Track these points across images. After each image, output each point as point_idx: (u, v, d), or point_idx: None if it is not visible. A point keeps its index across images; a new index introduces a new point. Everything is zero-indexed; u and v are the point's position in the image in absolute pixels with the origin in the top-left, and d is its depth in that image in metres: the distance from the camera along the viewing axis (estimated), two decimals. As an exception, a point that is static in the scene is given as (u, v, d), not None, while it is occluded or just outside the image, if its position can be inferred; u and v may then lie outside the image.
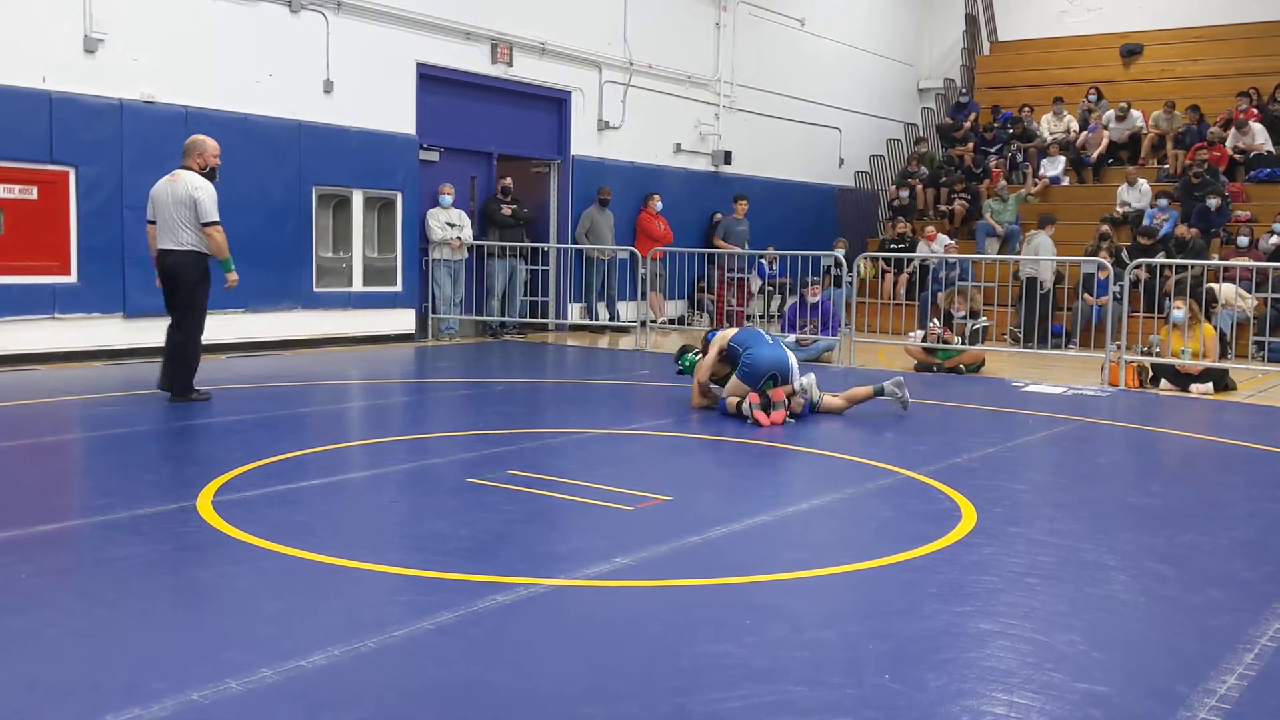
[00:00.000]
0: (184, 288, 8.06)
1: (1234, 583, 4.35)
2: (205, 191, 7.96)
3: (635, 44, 15.84)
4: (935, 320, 11.99)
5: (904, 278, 16.31)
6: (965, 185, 18.78)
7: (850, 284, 12.71)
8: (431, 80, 13.43)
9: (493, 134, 14.50)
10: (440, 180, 13.80)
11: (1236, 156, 17.58)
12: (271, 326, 11.90)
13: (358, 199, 12.73)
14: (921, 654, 3.49)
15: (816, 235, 18.00)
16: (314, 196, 12.23)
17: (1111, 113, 19.20)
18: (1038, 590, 4.18)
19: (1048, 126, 20.05)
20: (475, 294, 14.33)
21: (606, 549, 4.53)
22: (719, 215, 17.11)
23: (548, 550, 4.63)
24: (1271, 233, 14.92)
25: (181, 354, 8.14)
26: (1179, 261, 12.57)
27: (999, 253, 16.50)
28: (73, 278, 10.40)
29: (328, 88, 12.27)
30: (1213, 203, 15.75)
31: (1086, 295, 14.31)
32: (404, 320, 13.34)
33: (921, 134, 21.97)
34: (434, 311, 13.72)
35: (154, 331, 10.52)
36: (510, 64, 14.19)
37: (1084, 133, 19.33)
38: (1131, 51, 21.15)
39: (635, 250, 14.53)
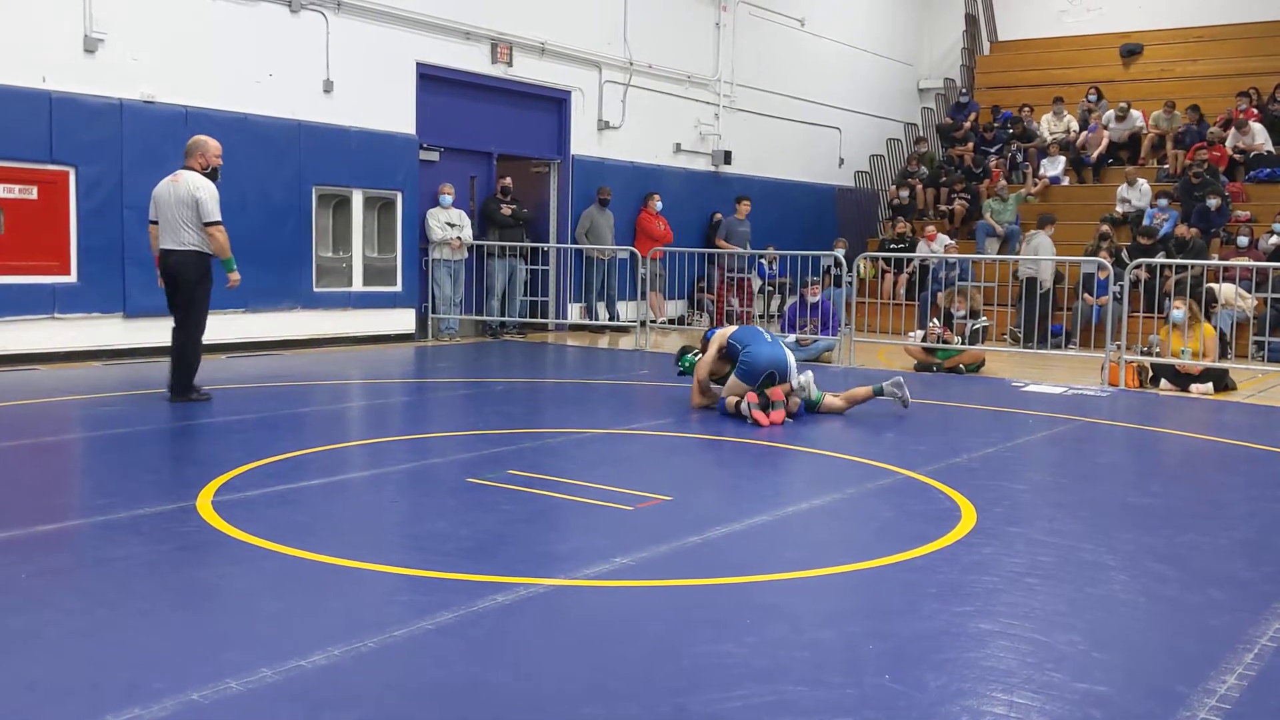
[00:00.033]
0: (185, 287, 8.08)
1: (1234, 583, 4.35)
2: (207, 191, 7.98)
3: (635, 44, 15.84)
4: (935, 320, 11.99)
5: (904, 278, 16.31)
6: (965, 185, 18.79)
7: (850, 284, 12.71)
8: (431, 80, 13.43)
9: (493, 134, 14.50)
10: (440, 180, 13.80)
11: (1236, 156, 17.58)
12: (271, 326, 11.90)
13: (358, 199, 12.73)
14: (921, 654, 3.49)
15: (816, 235, 18.00)
16: (314, 196, 12.23)
17: (1111, 113, 19.20)
18: (1038, 590, 4.18)
19: (1048, 126, 20.05)
20: (475, 294, 14.33)
21: (606, 549, 4.53)
22: (719, 215, 17.12)
23: (548, 550, 4.63)
24: (1271, 233, 14.92)
25: (182, 354, 8.14)
26: (1179, 261, 12.58)
27: (999, 253, 16.50)
28: (73, 278, 10.40)
29: (328, 88, 12.27)
30: (1213, 203, 15.75)
31: (1086, 295, 14.30)
32: (404, 320, 13.34)
33: (921, 134, 21.97)
34: (434, 311, 13.72)
35: (154, 331, 10.56)
36: (510, 64, 14.19)
37: (1084, 133, 19.33)
38: (1131, 51, 21.15)
39: (635, 250, 14.53)
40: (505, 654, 3.41)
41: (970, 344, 11.68)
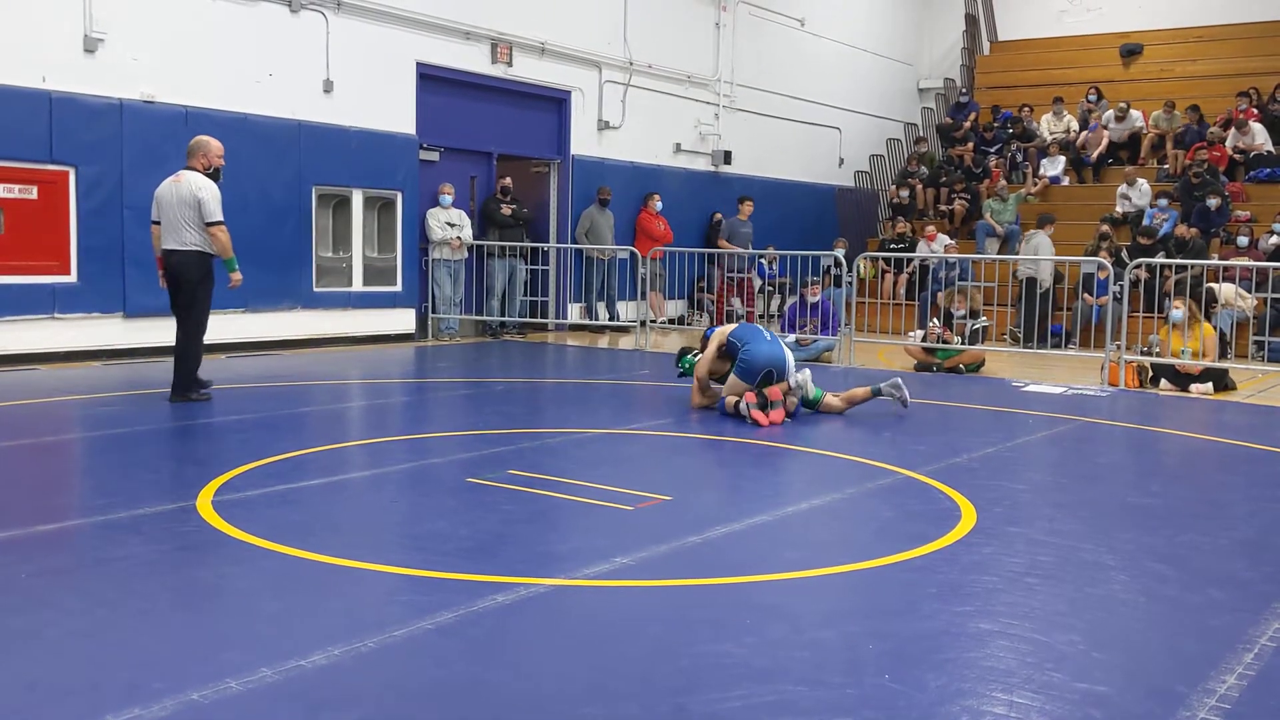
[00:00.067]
0: (187, 287, 8.10)
1: (1234, 583, 4.35)
2: (209, 191, 8.00)
3: (635, 44, 15.84)
4: (935, 320, 11.99)
5: (904, 278, 16.31)
6: (965, 185, 18.79)
7: (850, 284, 12.71)
8: (431, 80, 13.43)
9: (493, 134, 14.50)
10: (440, 180, 13.80)
11: (1236, 156, 17.58)
12: (271, 326, 11.90)
13: (358, 199, 12.73)
14: (921, 654, 3.49)
15: (816, 235, 18.00)
16: (314, 196, 12.23)
17: (1111, 113, 19.20)
18: (1038, 590, 4.18)
19: (1048, 126, 20.05)
20: (475, 294, 14.33)
21: (606, 549, 4.53)
22: (719, 215, 17.12)
23: (548, 550, 4.63)
24: (1271, 233, 14.92)
25: (183, 354, 8.15)
26: (1179, 261, 12.58)
27: (999, 253, 16.50)
28: (73, 277, 10.40)
29: (328, 87, 12.27)
30: (1213, 203, 15.75)
31: (1086, 295, 14.31)
32: (404, 320, 13.34)
33: (921, 134, 21.97)
34: (434, 311, 13.72)
35: (154, 331, 10.58)
36: (510, 64, 14.19)
37: (1084, 133, 19.33)
38: (1131, 51, 21.15)
39: (635, 250, 14.53)
40: (505, 654, 3.41)
41: (970, 344, 11.68)
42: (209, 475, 5.71)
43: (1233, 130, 17.77)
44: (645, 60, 16.04)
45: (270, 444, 6.64)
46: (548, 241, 15.24)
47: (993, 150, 20.01)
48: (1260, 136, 17.58)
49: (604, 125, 15.64)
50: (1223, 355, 11.01)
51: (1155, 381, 10.56)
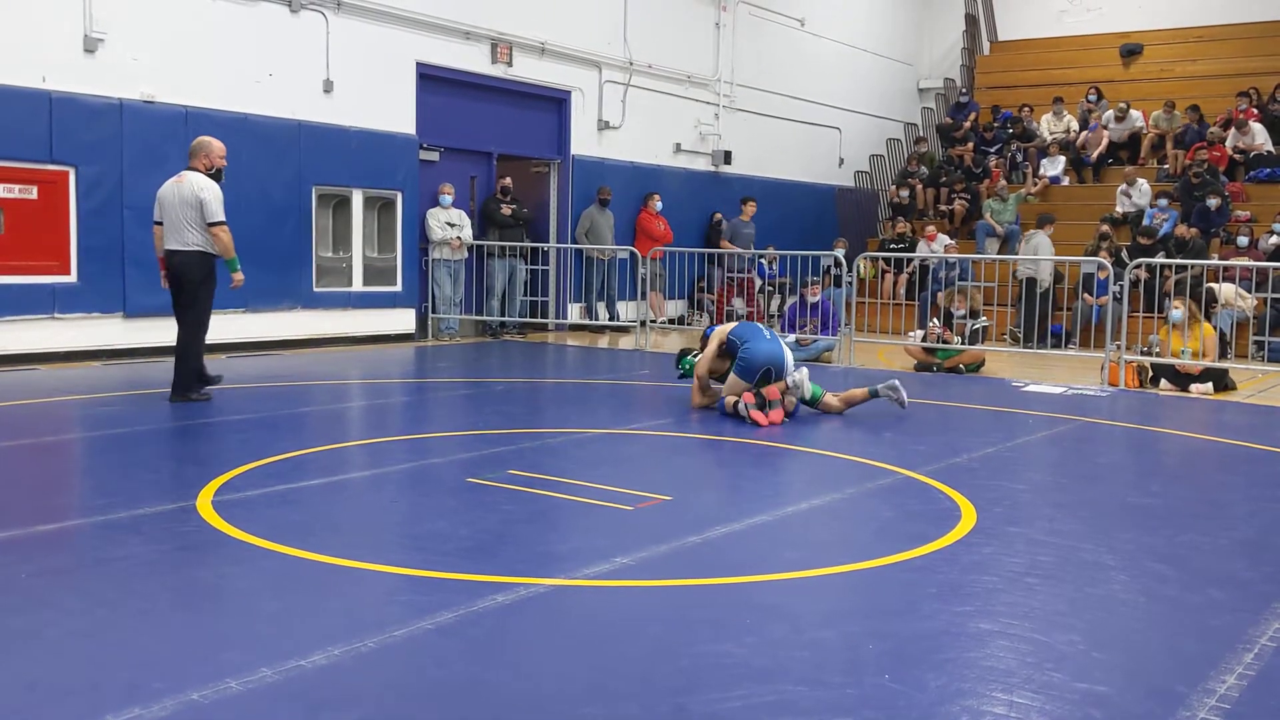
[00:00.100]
0: (189, 287, 8.13)
1: (1234, 583, 4.35)
2: (211, 192, 8.03)
3: (635, 44, 15.84)
4: (935, 320, 11.99)
5: (904, 278, 16.31)
6: (965, 185, 18.79)
7: (850, 284, 12.71)
8: (431, 80, 13.43)
9: (493, 134, 14.50)
10: (440, 180, 13.80)
11: (1236, 156, 17.58)
12: (271, 326, 11.90)
13: (358, 199, 12.73)
14: (921, 654, 3.49)
15: (816, 235, 18.00)
16: (314, 196, 12.23)
17: (1111, 113, 19.20)
18: (1038, 590, 4.18)
19: (1048, 126, 20.05)
20: (475, 294, 14.33)
21: (606, 549, 4.53)
22: (719, 215, 17.12)
23: (548, 550, 4.63)
24: (1271, 233, 14.92)
25: (184, 354, 8.16)
26: (1179, 261, 12.58)
27: (999, 253, 16.50)
28: (73, 277, 10.40)
29: (328, 88, 12.27)
30: (1213, 203, 15.75)
31: (1086, 295, 14.31)
32: (404, 320, 13.34)
33: (921, 134, 21.97)
34: (434, 311, 13.72)
35: (154, 331, 10.58)
36: (510, 64, 14.19)
37: (1084, 133, 19.33)
38: (1131, 51, 21.15)
39: (635, 250, 14.53)
40: (505, 654, 3.41)
41: (970, 344, 11.68)
42: (209, 475, 5.72)
43: (1233, 130, 17.77)
44: (645, 60, 16.04)
45: (270, 444, 6.64)
46: (548, 241, 15.24)
47: (993, 150, 20.01)
48: (1260, 136, 17.58)
49: (604, 125, 15.64)
50: (1223, 355, 11.01)
51: (1155, 381, 10.56)
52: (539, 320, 15.13)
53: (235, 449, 6.57)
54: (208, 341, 8.43)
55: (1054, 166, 19.12)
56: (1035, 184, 18.75)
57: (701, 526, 4.94)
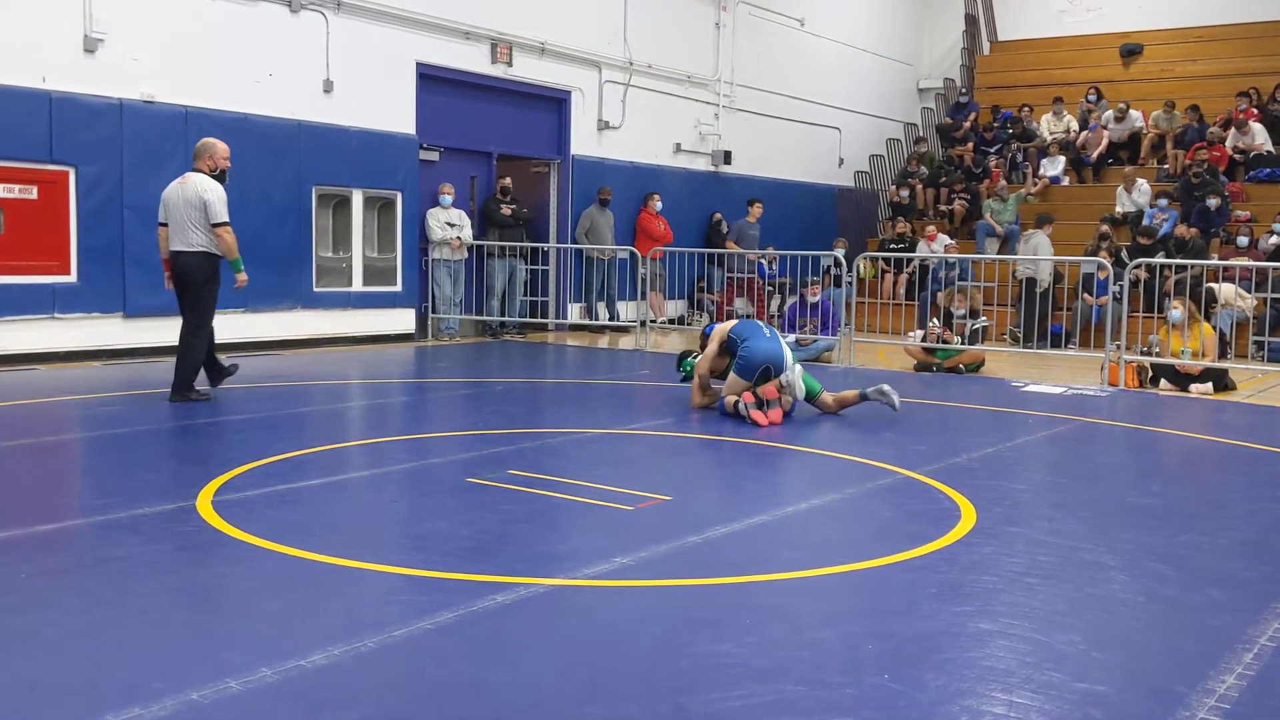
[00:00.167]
0: (193, 287, 8.18)
1: (1234, 583, 4.35)
2: (215, 193, 8.07)
3: (635, 44, 15.84)
4: (935, 320, 11.99)
5: (904, 278, 16.31)
6: (965, 185, 18.79)
7: (850, 284, 12.71)
8: (431, 80, 13.43)
9: (493, 134, 14.50)
10: (440, 180, 13.80)
11: (1236, 156, 17.58)
12: (271, 326, 11.91)
13: (358, 199, 12.73)
14: (921, 654, 3.49)
15: (816, 235, 18.00)
16: (314, 196, 12.24)
17: (1110, 113, 19.20)
18: (1037, 590, 4.19)
19: (1047, 126, 20.05)
20: (475, 294, 14.34)
21: (606, 549, 4.53)
22: (719, 215, 17.13)
23: (548, 550, 4.63)
24: (1271, 233, 14.92)
25: (184, 353, 8.18)
26: (1179, 261, 12.58)
27: (999, 253, 16.50)
28: (73, 277, 10.40)
29: (328, 88, 12.27)
30: (1212, 203, 15.76)
31: (1086, 295, 14.31)
32: (404, 320, 13.34)
33: (921, 134, 21.98)
34: (434, 311, 13.72)
35: (154, 331, 10.59)
36: (510, 64, 14.19)
37: (1084, 133, 19.33)
38: (1131, 51, 21.15)
39: (635, 250, 14.53)
40: (505, 654, 3.41)
41: (970, 344, 11.69)
42: (209, 475, 5.72)
43: (1233, 130, 17.77)
44: (645, 60, 16.05)
45: (270, 444, 6.65)
46: (548, 241, 15.24)
47: (993, 150, 20.01)
48: (1260, 136, 17.58)
49: (604, 125, 15.65)
50: (1223, 355, 11.02)
51: (1155, 381, 10.56)
52: (539, 320, 15.13)
53: (235, 449, 6.58)
54: (216, 340, 8.49)
55: (1054, 166, 19.13)
56: (1035, 184, 18.75)
57: (701, 526, 4.94)
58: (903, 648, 3.54)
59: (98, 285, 10.50)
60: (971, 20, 23.05)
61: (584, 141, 15.42)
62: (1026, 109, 20.40)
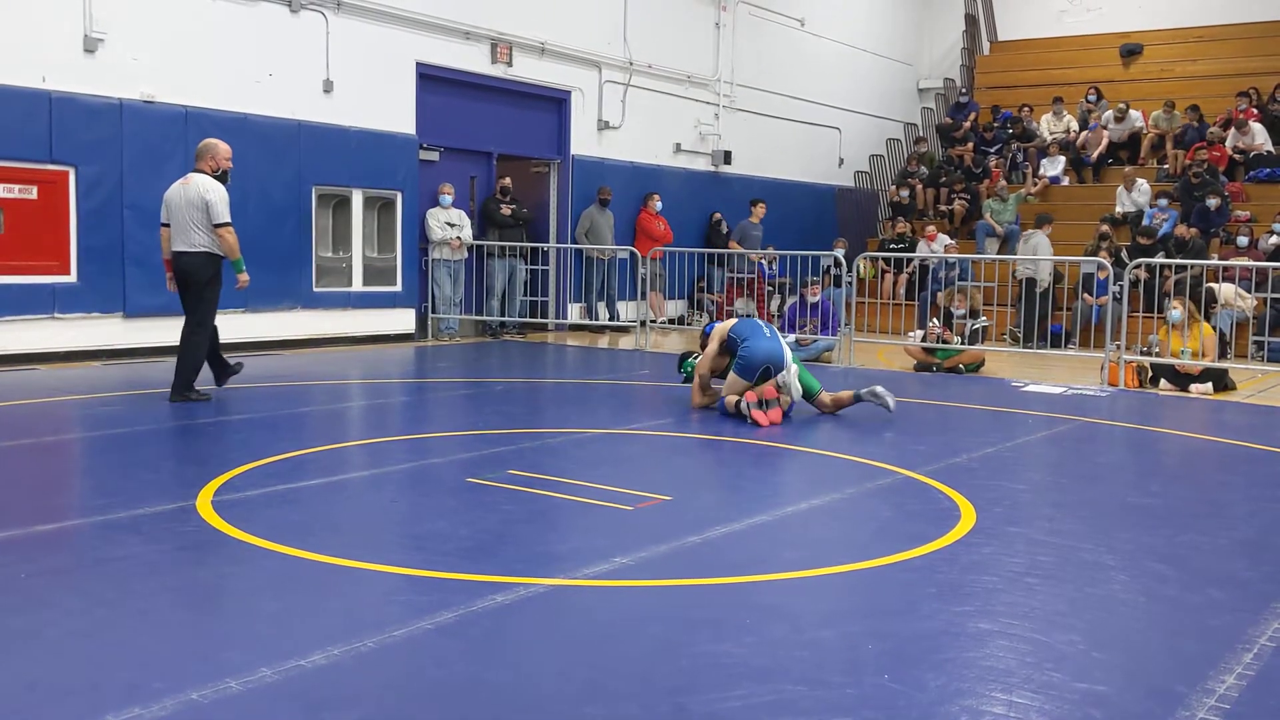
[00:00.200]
0: (195, 287, 8.20)
1: (1234, 583, 4.35)
2: (217, 194, 8.08)
3: (635, 44, 15.84)
4: (935, 320, 11.99)
5: (904, 278, 16.31)
6: (965, 185, 18.79)
7: (850, 284, 12.71)
8: (431, 80, 13.43)
9: (492, 134, 14.50)
10: (440, 180, 13.80)
11: (1236, 156, 17.58)
12: (271, 326, 11.90)
13: (357, 199, 12.73)
14: (921, 654, 3.49)
15: (816, 235, 18.00)
16: (314, 196, 12.24)
17: (1110, 113, 19.20)
18: (1037, 590, 4.19)
19: (1047, 126, 20.05)
20: (475, 294, 14.34)
21: (606, 549, 4.53)
22: (718, 215, 17.13)
23: (547, 550, 4.63)
24: (1271, 233, 14.92)
25: (185, 353, 8.19)
26: (1179, 261, 12.58)
27: (999, 253, 16.50)
28: (72, 277, 10.40)
29: (328, 88, 12.27)
30: (1212, 203, 15.76)
31: (1086, 295, 14.31)
32: (404, 320, 13.34)
33: (921, 134, 21.98)
34: (434, 311, 13.72)
35: (154, 331, 10.59)
36: (510, 64, 14.19)
37: (1084, 133, 19.33)
38: (1131, 51, 21.16)
39: (635, 250, 14.53)
40: (505, 654, 3.41)
41: (970, 344, 11.69)
42: (209, 475, 5.72)
43: (1232, 130, 17.77)
44: (645, 60, 16.05)
45: (270, 444, 6.65)
46: (548, 241, 15.24)
47: (993, 150, 20.01)
48: (1260, 136, 17.58)
49: (604, 125, 15.65)
50: (1222, 355, 11.02)
51: (1155, 381, 10.56)
52: (539, 320, 15.13)
53: (235, 449, 6.58)
54: (225, 340, 8.53)
55: (1054, 166, 19.13)
56: (1035, 184, 18.75)
57: (701, 526, 4.94)
58: (903, 648, 3.54)
59: (98, 285, 10.50)
60: (971, 20, 23.05)
61: (584, 141, 15.42)
62: (1026, 109, 20.40)
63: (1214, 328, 11.09)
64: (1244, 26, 20.15)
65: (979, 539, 4.88)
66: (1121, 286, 12.50)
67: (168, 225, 8.19)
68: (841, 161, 20.45)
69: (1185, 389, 10.32)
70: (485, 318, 14.37)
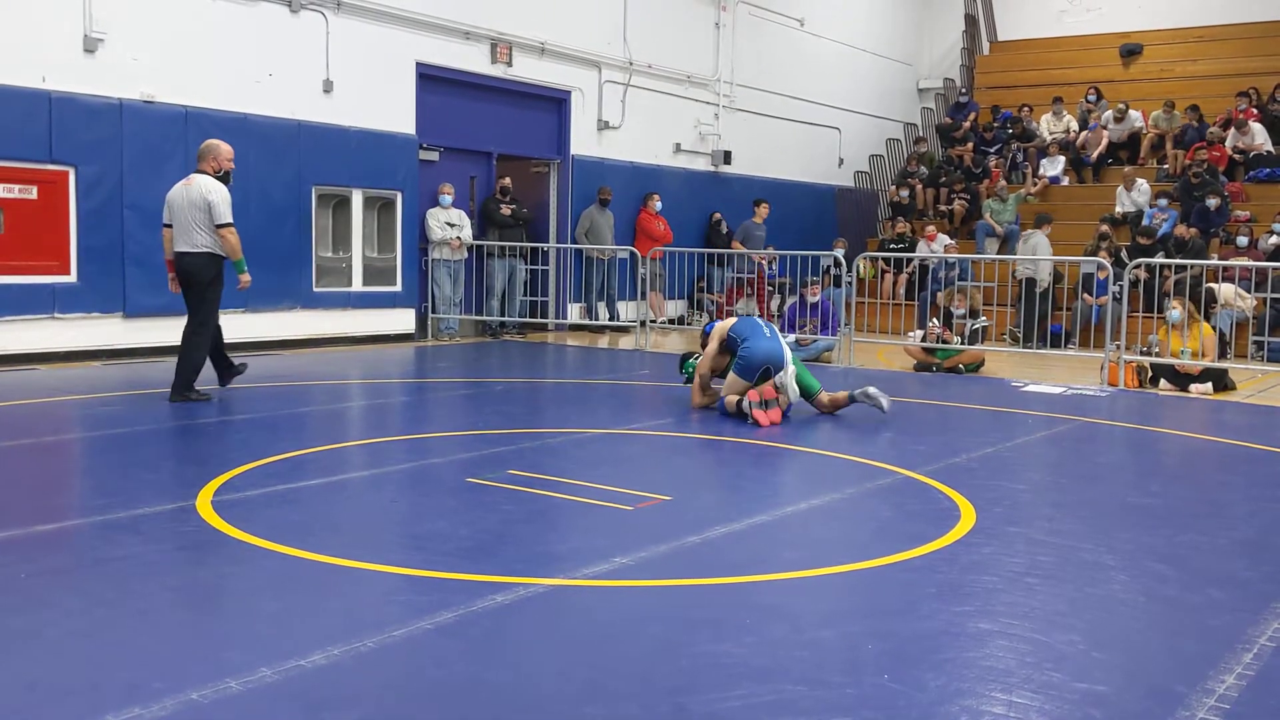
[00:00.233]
0: (196, 287, 8.22)
1: (1234, 583, 4.35)
2: (219, 194, 8.09)
3: (635, 44, 15.84)
4: (935, 320, 11.99)
5: (903, 277, 16.31)
6: (965, 185, 18.79)
7: (850, 284, 12.71)
8: (431, 80, 13.43)
9: (492, 134, 14.50)
10: (440, 180, 13.80)
11: (1236, 156, 17.59)
12: (271, 326, 11.90)
13: (357, 199, 12.73)
14: (921, 654, 3.49)
15: (816, 235, 18.00)
16: (314, 196, 12.24)
17: (1110, 113, 19.20)
18: (1037, 590, 4.19)
19: (1047, 126, 20.05)
20: (475, 294, 14.34)
21: (606, 549, 4.53)
22: (718, 215, 17.13)
23: (547, 550, 4.63)
24: (1271, 233, 14.92)
25: (186, 353, 8.19)
26: (1178, 261, 12.58)
27: (998, 253, 16.50)
28: (72, 277, 10.40)
29: (327, 88, 12.27)
30: (1212, 203, 15.76)
31: (1086, 295, 14.31)
32: (404, 320, 13.34)
33: (921, 134, 21.98)
34: (434, 311, 13.72)
35: (154, 331, 10.59)
36: (510, 64, 14.19)
37: (1083, 133, 19.34)
38: (1131, 51, 21.16)
39: (635, 250, 14.53)
40: (505, 654, 3.41)
41: (970, 344, 11.69)
42: (209, 475, 5.72)
43: (1232, 130, 17.77)
44: (645, 60, 16.05)
45: (270, 444, 6.65)
46: (548, 241, 15.24)
47: (992, 150, 20.01)
48: (1260, 136, 17.58)
49: (604, 125, 15.65)
50: (1222, 355, 11.02)
51: (1155, 381, 10.56)
52: (539, 320, 15.13)
53: (235, 449, 6.58)
54: (226, 340, 8.53)
55: (1054, 166, 19.13)
56: (1035, 184, 18.75)
57: (701, 526, 4.94)
58: (903, 648, 3.54)
59: (98, 285, 10.50)
60: (971, 20, 23.05)
61: (584, 141, 15.42)
62: (1026, 109, 20.40)
63: (1214, 328, 11.09)
64: (1244, 26, 20.15)
65: (979, 539, 4.88)
66: (1121, 286, 12.50)
67: (170, 226, 8.21)
68: (841, 161, 20.45)
69: (1185, 389, 10.32)
70: (485, 318, 14.37)
